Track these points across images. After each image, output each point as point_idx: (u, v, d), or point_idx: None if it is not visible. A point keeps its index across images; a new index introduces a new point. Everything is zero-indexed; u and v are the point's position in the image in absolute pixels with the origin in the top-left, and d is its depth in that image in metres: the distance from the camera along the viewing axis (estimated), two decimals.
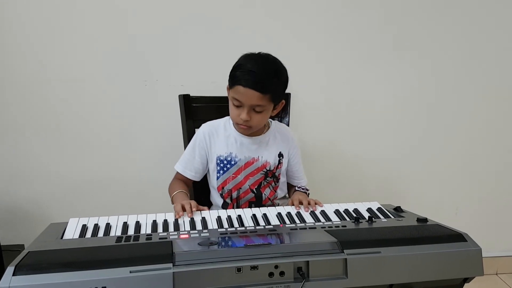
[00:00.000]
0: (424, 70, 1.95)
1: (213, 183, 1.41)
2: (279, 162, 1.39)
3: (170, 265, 0.78)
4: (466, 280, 0.93)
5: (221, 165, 1.37)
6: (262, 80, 1.20)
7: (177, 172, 1.42)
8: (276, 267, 0.83)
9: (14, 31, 1.66)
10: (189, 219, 1.09)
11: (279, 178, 1.41)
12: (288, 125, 1.58)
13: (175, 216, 1.11)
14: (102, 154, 1.80)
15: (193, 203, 1.17)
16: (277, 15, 1.80)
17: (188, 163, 1.40)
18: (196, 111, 1.55)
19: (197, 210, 1.15)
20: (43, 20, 1.67)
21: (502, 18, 1.95)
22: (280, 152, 1.39)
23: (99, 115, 1.77)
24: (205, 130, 1.40)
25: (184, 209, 1.14)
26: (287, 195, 1.49)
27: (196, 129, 1.51)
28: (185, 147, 1.50)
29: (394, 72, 1.93)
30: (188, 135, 1.52)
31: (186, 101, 1.53)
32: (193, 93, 1.55)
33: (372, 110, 1.96)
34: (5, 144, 1.74)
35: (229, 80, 1.27)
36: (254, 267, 0.82)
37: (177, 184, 1.39)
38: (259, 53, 1.28)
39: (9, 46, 1.67)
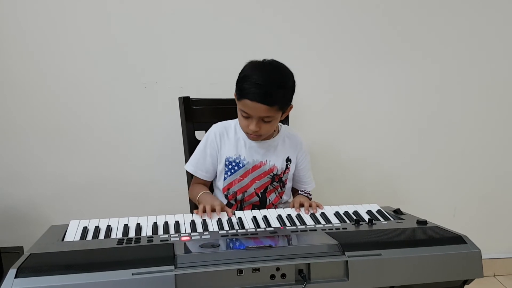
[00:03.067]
0: (423, 72, 1.96)
1: (219, 184, 1.41)
2: (287, 167, 1.40)
3: (172, 267, 0.79)
4: (466, 282, 0.94)
5: (229, 166, 1.37)
6: (269, 92, 1.20)
7: (194, 177, 1.42)
8: (277, 269, 0.83)
9: (13, 33, 1.66)
10: (190, 221, 1.09)
11: (286, 183, 1.41)
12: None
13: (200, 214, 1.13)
14: (101, 156, 1.80)
15: (222, 205, 1.19)
16: (278, 17, 1.81)
17: (199, 163, 1.40)
18: (196, 113, 1.55)
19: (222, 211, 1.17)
20: (42, 23, 1.67)
21: (507, 17, 1.95)
22: (288, 157, 1.40)
23: (99, 117, 1.77)
24: (216, 130, 1.40)
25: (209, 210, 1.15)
26: (290, 199, 1.49)
27: (196, 131, 1.52)
28: (185, 149, 1.50)
29: (395, 74, 1.94)
30: (188, 137, 1.52)
31: (186, 104, 1.53)
32: (192, 95, 1.55)
33: (371, 112, 1.96)
34: (3, 145, 1.73)
35: (236, 91, 1.28)
36: (255, 269, 0.82)
37: (199, 188, 1.38)
38: (264, 61, 1.28)
39: (9, 48, 1.67)
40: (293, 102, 1.61)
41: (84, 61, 1.72)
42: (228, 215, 1.15)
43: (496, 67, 2.00)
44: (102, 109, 1.77)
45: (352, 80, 1.92)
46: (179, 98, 1.54)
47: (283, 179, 1.40)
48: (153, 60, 1.77)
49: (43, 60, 1.70)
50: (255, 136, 1.31)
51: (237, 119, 1.39)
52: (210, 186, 1.46)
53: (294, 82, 1.29)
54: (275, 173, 1.38)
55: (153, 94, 1.79)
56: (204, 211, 1.15)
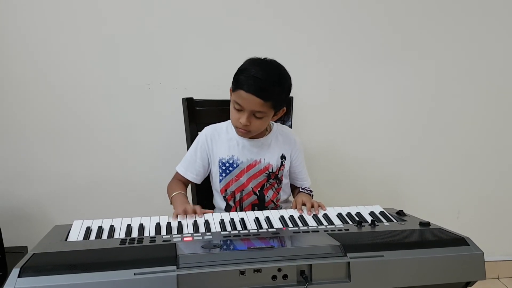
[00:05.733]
0: (425, 72, 1.96)
1: (216, 185, 1.41)
2: (282, 164, 1.40)
3: (174, 267, 0.79)
4: (469, 284, 0.94)
5: (224, 167, 1.37)
6: (265, 87, 1.20)
7: (177, 172, 1.43)
8: (279, 270, 0.83)
9: (15, 32, 1.67)
10: (192, 221, 1.10)
11: (282, 180, 1.42)
12: (290, 127, 1.59)
13: (173, 218, 1.12)
14: (104, 156, 1.81)
15: (198, 208, 1.17)
16: (281, 18, 1.81)
17: (190, 165, 1.41)
18: (199, 114, 1.56)
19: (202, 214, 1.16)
20: (45, 21, 1.68)
21: (503, 19, 1.96)
22: (282, 154, 1.40)
23: (103, 117, 1.78)
24: (207, 132, 1.41)
25: (185, 213, 1.15)
26: (290, 197, 1.50)
27: (199, 132, 1.52)
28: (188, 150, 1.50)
29: (396, 74, 1.94)
30: (191, 138, 1.52)
31: (190, 105, 1.54)
32: (196, 96, 1.56)
33: (374, 112, 1.96)
34: (7, 145, 1.74)
35: (232, 83, 1.28)
36: (257, 270, 0.82)
37: (177, 185, 1.39)
38: (265, 58, 1.28)
39: (10, 47, 1.68)
40: (296, 104, 1.63)
41: (88, 62, 1.73)
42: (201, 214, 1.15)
43: (495, 67, 2.00)
44: (106, 110, 1.78)
45: (354, 81, 1.92)
46: (183, 99, 1.55)
47: (279, 176, 1.40)
48: (157, 61, 1.77)
49: (46, 61, 1.71)
50: (244, 131, 1.29)
51: (229, 121, 1.39)
52: (199, 186, 1.46)
53: (290, 85, 1.29)
54: (270, 171, 1.38)
55: (157, 95, 1.79)
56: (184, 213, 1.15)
